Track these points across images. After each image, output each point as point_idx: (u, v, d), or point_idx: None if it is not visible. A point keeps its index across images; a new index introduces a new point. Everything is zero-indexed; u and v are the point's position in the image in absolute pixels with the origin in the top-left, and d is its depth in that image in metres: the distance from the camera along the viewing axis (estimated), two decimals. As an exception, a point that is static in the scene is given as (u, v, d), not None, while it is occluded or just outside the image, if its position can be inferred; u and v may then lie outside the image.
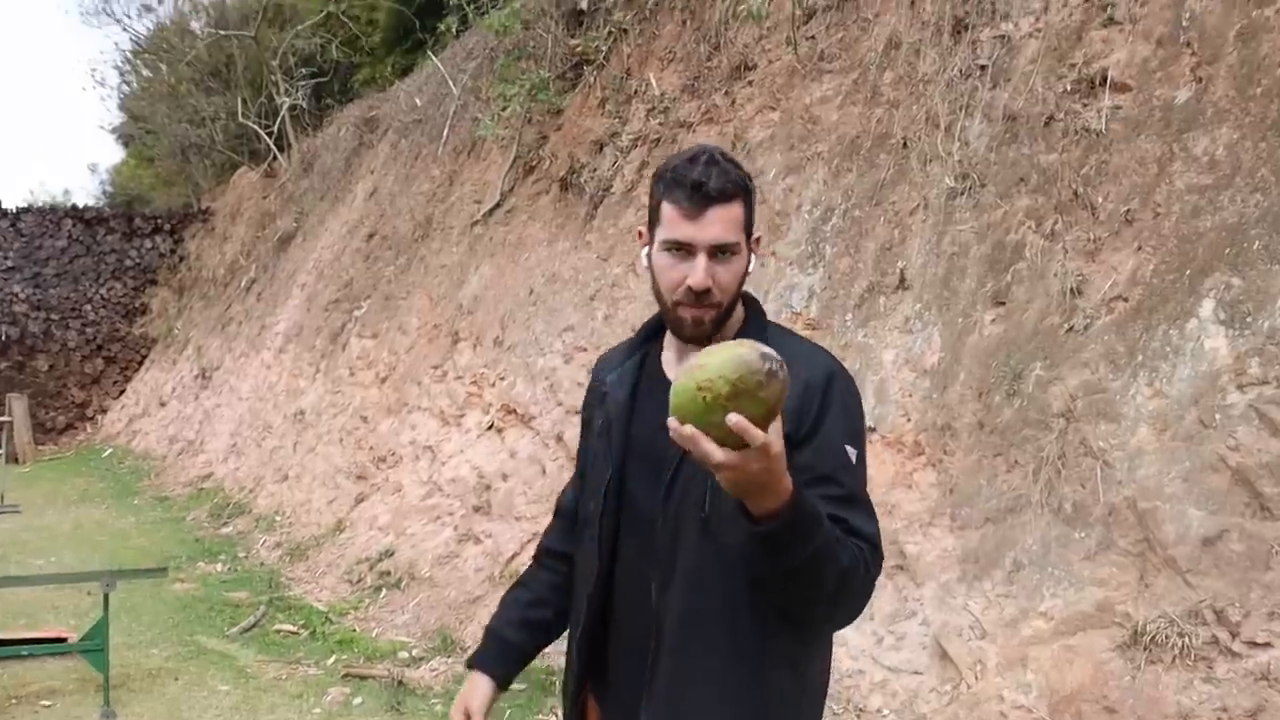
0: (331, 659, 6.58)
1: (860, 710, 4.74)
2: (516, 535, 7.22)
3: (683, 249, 1.99)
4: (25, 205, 21.11)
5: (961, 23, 6.29)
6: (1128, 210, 4.88)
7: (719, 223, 1.97)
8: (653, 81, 8.73)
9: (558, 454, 7.45)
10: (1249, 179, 4.47)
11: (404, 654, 6.57)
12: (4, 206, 20.57)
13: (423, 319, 10.67)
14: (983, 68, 6.04)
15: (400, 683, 6.02)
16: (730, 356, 1.62)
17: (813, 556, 1.77)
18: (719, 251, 1.98)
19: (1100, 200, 5.04)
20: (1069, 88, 5.48)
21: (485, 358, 9.10)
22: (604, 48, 9.55)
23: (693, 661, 1.97)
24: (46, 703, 5.82)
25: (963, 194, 5.73)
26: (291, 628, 7.26)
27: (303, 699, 5.95)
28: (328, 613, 7.48)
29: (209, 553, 9.82)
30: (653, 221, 2.06)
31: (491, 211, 10.30)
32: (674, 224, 1.99)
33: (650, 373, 2.18)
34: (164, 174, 26.14)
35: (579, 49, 9.79)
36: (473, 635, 6.52)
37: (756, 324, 2.12)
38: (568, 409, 7.55)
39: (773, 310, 6.36)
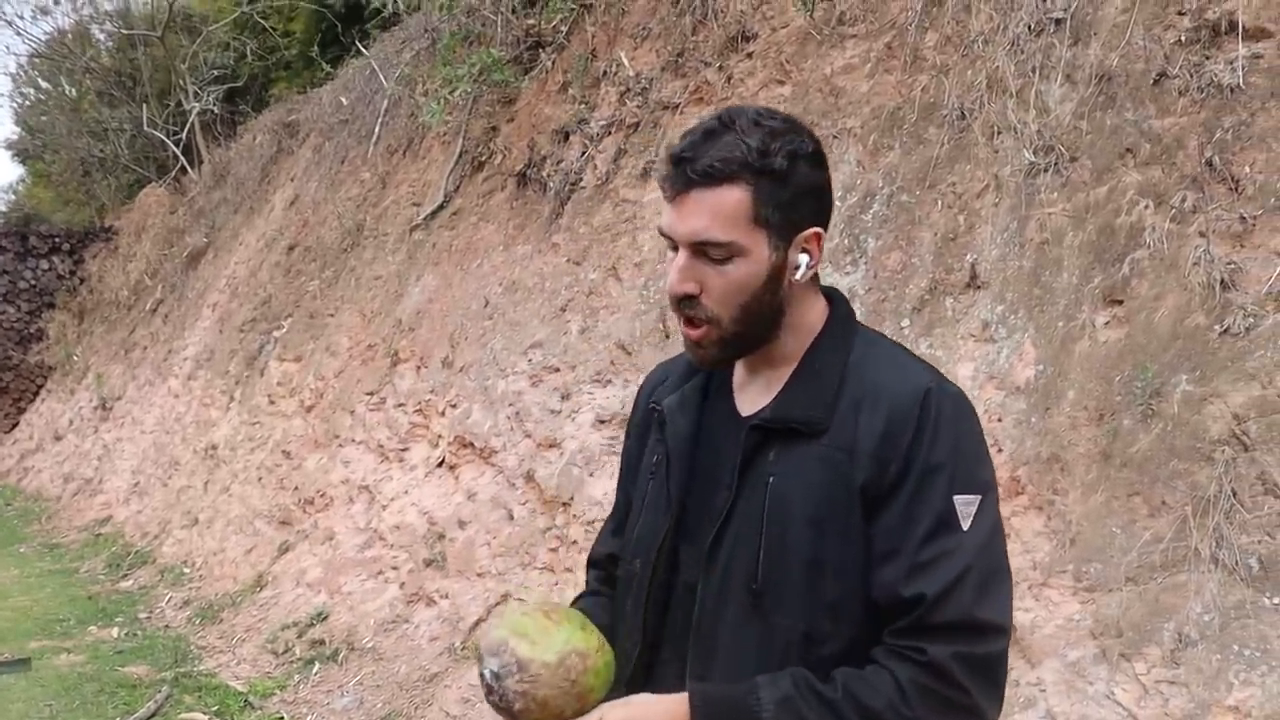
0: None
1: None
2: (479, 595, 5.93)
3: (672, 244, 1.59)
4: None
5: (1023, -29, 5.23)
6: (1289, 180, 3.82)
7: (701, 212, 1.54)
8: (624, 61, 7.57)
9: (528, 496, 6.18)
10: None
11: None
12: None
13: (354, 338, 9.34)
14: (1058, 22, 4.98)
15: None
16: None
17: None
18: (705, 251, 1.55)
19: (1246, 170, 3.97)
20: (1182, 38, 4.43)
21: (432, 381, 7.82)
22: (564, 26, 8.37)
23: None
24: None
25: (1047, 170, 4.63)
26: (203, 717, 5.80)
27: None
28: (248, 694, 6.03)
29: (103, 614, 8.30)
30: None
31: (434, 214, 9.02)
32: (664, 210, 1.61)
33: (716, 402, 1.71)
34: (65, 192, 24.38)
35: (534, 29, 8.60)
36: (432, 723, 5.26)
37: (836, 333, 1.67)
38: (539, 441, 6.30)
39: (804, 317, 5.20)
